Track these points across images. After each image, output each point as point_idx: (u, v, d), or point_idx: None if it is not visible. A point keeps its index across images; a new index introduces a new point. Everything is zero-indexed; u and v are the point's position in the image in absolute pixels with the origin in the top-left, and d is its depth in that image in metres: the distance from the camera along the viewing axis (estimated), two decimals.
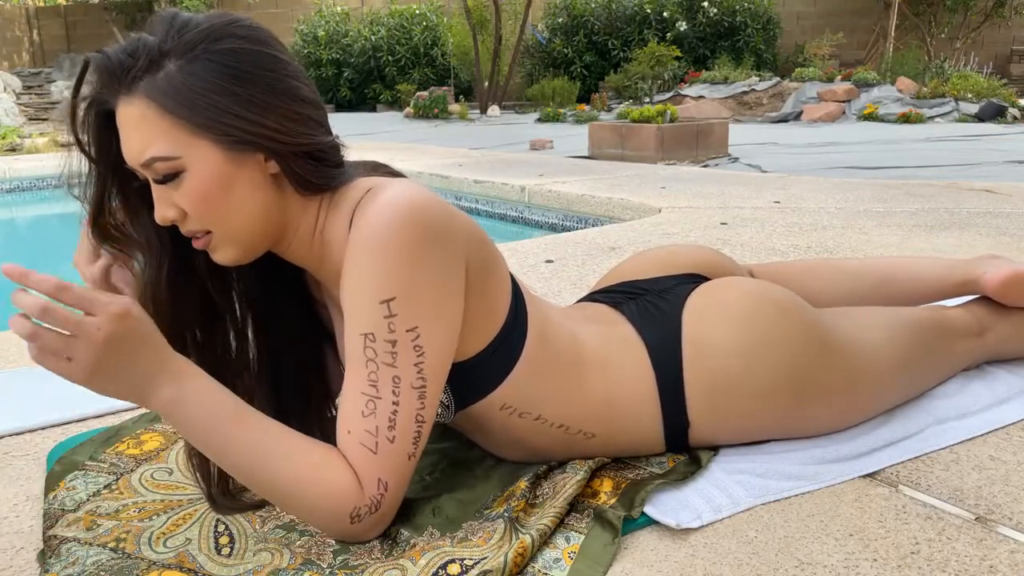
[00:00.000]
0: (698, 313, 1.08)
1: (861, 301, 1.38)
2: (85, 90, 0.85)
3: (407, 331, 0.85)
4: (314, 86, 0.91)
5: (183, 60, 0.81)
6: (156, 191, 0.86)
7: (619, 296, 1.20)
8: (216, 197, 0.85)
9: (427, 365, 0.87)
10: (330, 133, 0.92)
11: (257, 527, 0.96)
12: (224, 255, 0.90)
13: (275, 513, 0.99)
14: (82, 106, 0.85)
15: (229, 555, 0.91)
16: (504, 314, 0.96)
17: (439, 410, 1.00)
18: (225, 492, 1.00)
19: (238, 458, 0.86)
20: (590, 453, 1.07)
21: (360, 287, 0.85)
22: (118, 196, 0.91)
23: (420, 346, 0.86)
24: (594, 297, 1.25)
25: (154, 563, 0.89)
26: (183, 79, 0.81)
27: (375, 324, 0.84)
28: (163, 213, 0.86)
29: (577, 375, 1.03)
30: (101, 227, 0.91)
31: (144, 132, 0.82)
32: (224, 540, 0.94)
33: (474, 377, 0.97)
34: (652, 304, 1.13)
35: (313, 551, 0.91)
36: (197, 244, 0.89)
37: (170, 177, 0.83)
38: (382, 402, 0.85)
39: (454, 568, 0.86)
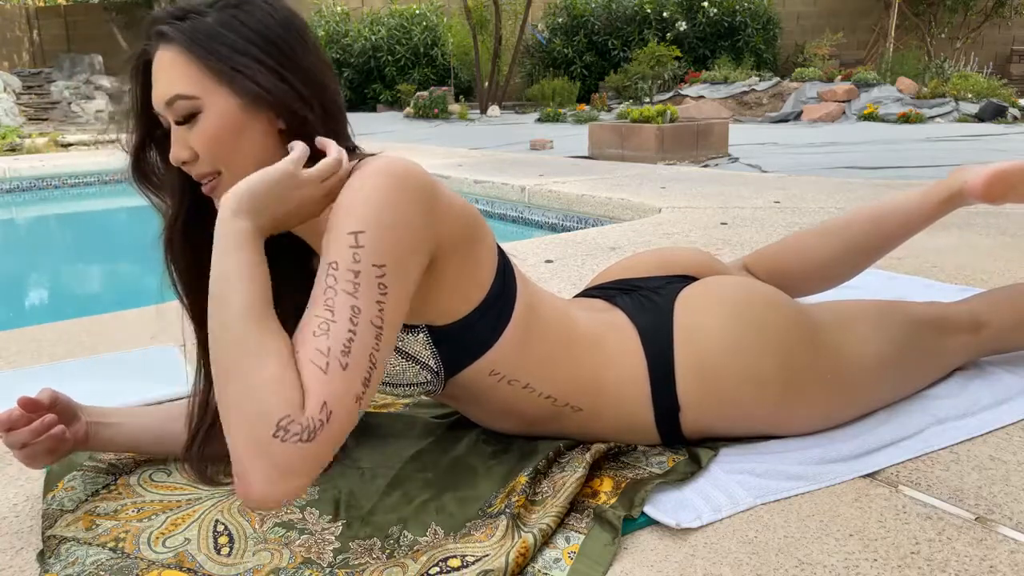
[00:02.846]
0: (690, 304, 1.11)
1: (859, 248, 1.41)
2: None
3: (373, 265, 0.82)
4: (333, 71, 0.97)
5: (222, 16, 0.90)
6: (175, 133, 0.92)
7: (613, 291, 1.22)
8: (225, 139, 0.91)
9: (387, 308, 0.82)
10: (341, 116, 0.96)
11: (256, 526, 0.96)
12: None
13: (274, 512, 0.99)
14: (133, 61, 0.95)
15: (228, 554, 0.91)
16: (490, 281, 0.99)
17: (428, 377, 1.01)
18: (201, 451, 1.04)
19: (226, 323, 0.80)
20: (579, 427, 1.10)
21: (334, 223, 0.84)
22: (156, 146, 1.00)
23: (385, 285, 0.82)
24: (588, 293, 1.27)
25: (153, 563, 0.89)
26: (218, 34, 0.89)
27: (340, 253, 0.82)
28: (178, 153, 0.92)
29: (567, 349, 1.06)
30: (142, 171, 1.00)
31: (171, 73, 0.89)
32: (223, 540, 0.94)
33: (463, 340, 0.98)
34: (645, 298, 1.16)
35: (313, 550, 0.91)
36: (206, 189, 0.94)
37: (188, 118, 0.90)
38: (337, 326, 0.79)
39: (455, 563, 0.86)
